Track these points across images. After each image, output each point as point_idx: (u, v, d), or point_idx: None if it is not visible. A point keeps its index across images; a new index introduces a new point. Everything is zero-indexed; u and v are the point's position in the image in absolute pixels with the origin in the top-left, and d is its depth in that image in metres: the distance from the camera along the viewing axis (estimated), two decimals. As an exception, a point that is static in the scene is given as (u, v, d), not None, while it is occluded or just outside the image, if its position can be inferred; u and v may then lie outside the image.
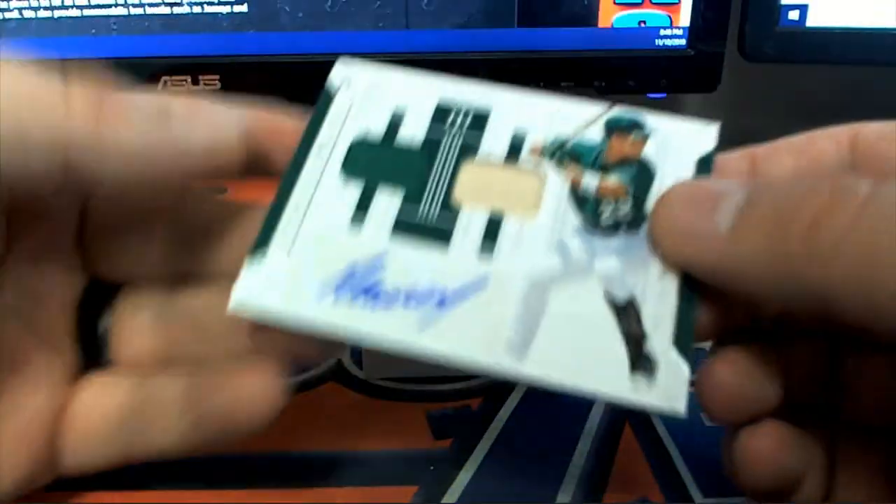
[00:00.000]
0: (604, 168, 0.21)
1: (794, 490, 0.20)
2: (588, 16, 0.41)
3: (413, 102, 0.23)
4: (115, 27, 0.41)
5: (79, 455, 0.21)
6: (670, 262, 0.19)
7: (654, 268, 0.20)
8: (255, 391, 0.20)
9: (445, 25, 0.41)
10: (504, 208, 0.21)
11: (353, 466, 0.30)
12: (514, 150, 0.22)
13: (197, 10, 0.40)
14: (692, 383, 0.19)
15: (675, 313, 0.19)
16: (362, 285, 0.20)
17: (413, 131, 0.22)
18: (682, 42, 0.41)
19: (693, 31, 0.41)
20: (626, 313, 0.19)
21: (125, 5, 0.40)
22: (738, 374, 0.20)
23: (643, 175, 0.21)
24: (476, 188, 0.21)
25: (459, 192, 0.21)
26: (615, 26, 0.41)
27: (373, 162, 0.22)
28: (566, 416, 0.32)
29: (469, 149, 0.22)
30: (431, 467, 0.30)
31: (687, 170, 0.21)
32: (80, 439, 0.21)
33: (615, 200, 0.21)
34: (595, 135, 0.22)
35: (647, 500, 0.29)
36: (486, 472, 0.30)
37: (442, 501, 0.28)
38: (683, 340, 0.19)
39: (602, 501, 0.29)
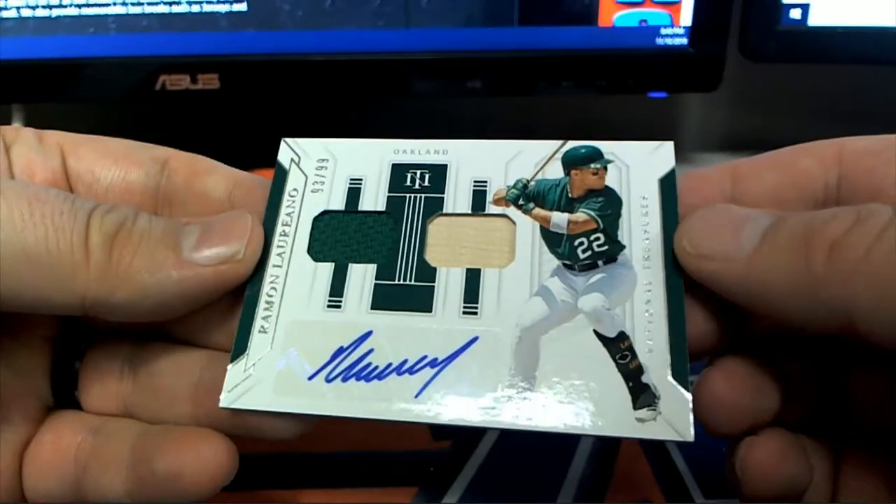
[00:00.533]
0: (570, 204, 0.22)
1: (798, 498, 0.20)
2: (589, 14, 0.41)
3: (367, 169, 0.23)
4: (113, 25, 0.41)
5: (36, 489, 0.21)
6: (695, 278, 0.19)
7: (640, 297, 0.20)
8: (201, 458, 0.20)
9: (445, 24, 0.41)
10: (479, 262, 0.21)
11: (353, 467, 0.30)
12: (478, 200, 0.22)
13: (196, 8, 0.40)
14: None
15: (668, 339, 0.19)
16: (351, 366, 0.20)
17: (373, 198, 0.22)
18: (684, 41, 0.41)
19: (694, 30, 0.41)
20: (620, 348, 0.19)
21: (124, 4, 0.40)
22: (734, 386, 0.20)
23: (610, 204, 0.21)
24: (447, 246, 0.22)
25: (431, 253, 0.21)
26: (616, 25, 0.41)
27: (338, 237, 0.22)
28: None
29: (433, 207, 0.22)
30: (431, 468, 0.30)
31: (651, 191, 0.21)
32: (36, 474, 0.21)
33: (587, 236, 0.21)
34: (555, 172, 0.22)
35: (648, 502, 0.29)
36: (486, 472, 0.30)
37: (442, 502, 0.28)
38: (680, 366, 0.19)
39: (603, 502, 0.28)
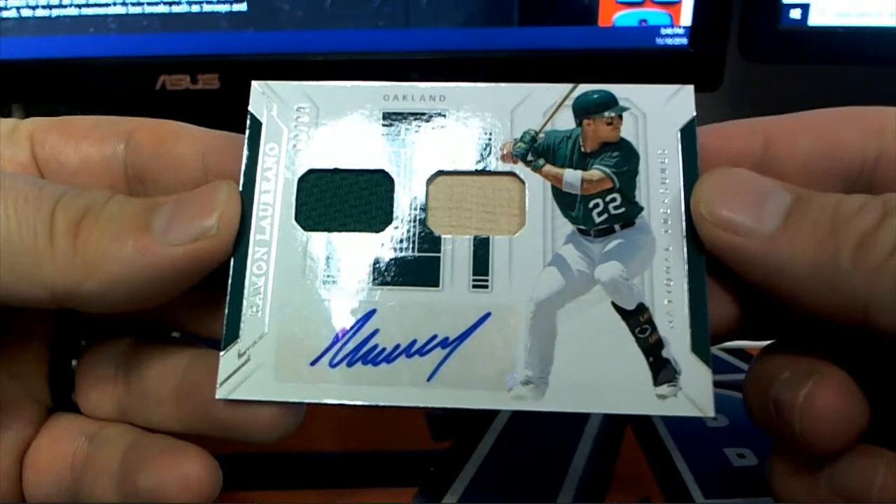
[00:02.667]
0: (583, 159, 0.20)
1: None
2: (589, 14, 0.41)
3: (354, 118, 0.20)
4: (113, 26, 0.40)
5: (36, 493, 0.21)
6: (709, 246, 0.18)
7: (659, 265, 0.19)
8: (183, 477, 0.19)
9: (445, 24, 0.41)
10: (487, 228, 0.20)
11: (353, 467, 0.30)
12: (483, 156, 0.20)
13: (196, 8, 0.40)
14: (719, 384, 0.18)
15: (689, 312, 0.18)
16: (356, 349, 0.19)
17: (364, 153, 0.20)
18: (684, 41, 0.41)
19: (694, 31, 0.41)
20: (640, 321, 0.19)
21: (124, 4, 0.40)
22: (844, 398, 0.18)
23: (626, 160, 0.20)
24: (451, 210, 0.20)
25: (434, 219, 0.20)
26: (616, 25, 0.41)
27: (329, 200, 0.20)
28: (568, 416, 0.32)
29: (432, 164, 0.20)
30: (431, 468, 0.30)
31: (670, 144, 0.20)
32: (36, 478, 0.21)
33: (603, 196, 0.19)
34: (566, 122, 0.20)
35: (648, 501, 0.29)
36: (486, 472, 0.30)
37: (442, 502, 0.28)
38: (700, 339, 0.18)
39: (603, 502, 0.28)
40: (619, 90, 0.20)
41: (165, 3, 0.40)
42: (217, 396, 0.19)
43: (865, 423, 0.18)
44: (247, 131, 0.20)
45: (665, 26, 0.41)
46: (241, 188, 0.20)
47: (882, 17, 0.40)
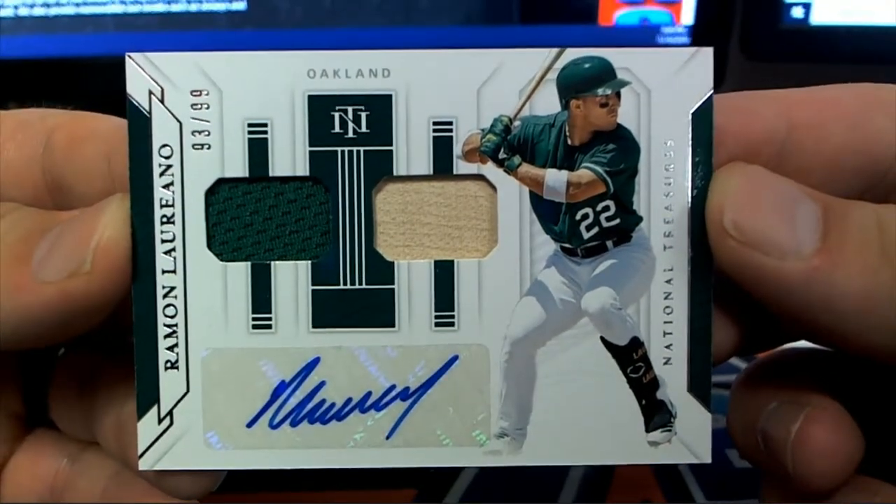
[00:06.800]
0: (570, 155, 0.16)
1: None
2: (590, 13, 0.41)
3: (272, 106, 0.16)
4: (111, 24, 0.40)
5: None
6: (734, 273, 0.15)
7: (657, 290, 0.16)
8: None
9: (446, 22, 0.41)
10: (450, 250, 0.16)
11: (352, 469, 0.30)
12: (441, 153, 0.16)
13: (194, 7, 0.40)
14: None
15: (688, 346, 0.16)
16: (300, 406, 0.16)
17: (288, 155, 0.16)
18: (685, 40, 0.41)
19: (696, 29, 0.41)
20: (633, 358, 0.16)
21: (122, 2, 0.40)
22: (839, 433, 0.16)
23: (624, 155, 0.16)
24: (405, 226, 0.16)
25: (384, 239, 0.16)
26: (617, 24, 0.41)
27: (248, 219, 0.16)
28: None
29: (378, 166, 0.16)
30: (431, 469, 0.30)
31: (680, 132, 0.16)
32: (12, 496, 0.19)
33: (593, 204, 0.16)
34: (548, 103, 0.16)
35: (649, 502, 0.29)
36: (486, 473, 0.30)
37: (442, 503, 0.28)
38: (700, 377, 0.16)
39: (604, 503, 0.28)
40: (618, 56, 0.16)
41: (164, 2, 0.40)
42: (140, 468, 0.16)
43: (860, 457, 0.16)
44: (128, 126, 0.16)
45: (666, 25, 0.41)
46: (133, 206, 0.16)
47: (884, 16, 0.40)
